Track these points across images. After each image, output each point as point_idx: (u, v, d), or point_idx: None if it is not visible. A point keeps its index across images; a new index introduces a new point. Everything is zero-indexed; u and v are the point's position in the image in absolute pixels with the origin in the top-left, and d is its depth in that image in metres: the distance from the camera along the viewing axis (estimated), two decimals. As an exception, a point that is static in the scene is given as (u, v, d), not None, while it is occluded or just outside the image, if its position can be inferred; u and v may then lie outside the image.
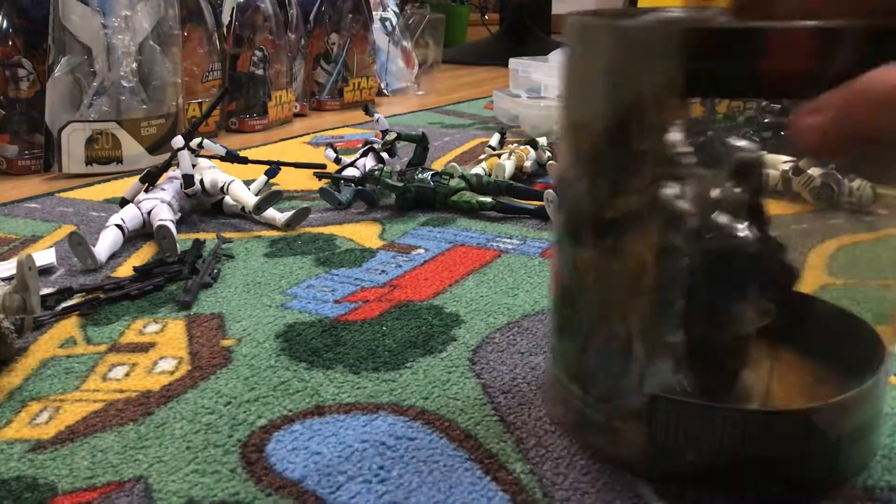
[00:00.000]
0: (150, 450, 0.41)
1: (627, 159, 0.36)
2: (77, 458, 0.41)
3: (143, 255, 0.73)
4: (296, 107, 1.52)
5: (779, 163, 0.79)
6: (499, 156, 0.98)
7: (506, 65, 1.44)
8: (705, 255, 0.37)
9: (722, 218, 0.38)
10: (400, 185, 0.85)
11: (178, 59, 1.17)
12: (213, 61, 1.31)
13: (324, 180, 0.94)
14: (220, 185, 0.83)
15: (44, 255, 0.70)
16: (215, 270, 0.67)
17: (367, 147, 1.01)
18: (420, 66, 1.99)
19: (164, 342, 0.54)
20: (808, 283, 0.63)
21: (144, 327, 0.57)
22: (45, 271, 0.68)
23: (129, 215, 0.75)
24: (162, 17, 1.12)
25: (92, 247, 0.68)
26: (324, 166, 0.99)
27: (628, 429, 0.38)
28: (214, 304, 0.61)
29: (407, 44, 1.94)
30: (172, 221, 0.74)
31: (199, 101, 1.29)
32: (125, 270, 0.69)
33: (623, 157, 0.36)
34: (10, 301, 0.50)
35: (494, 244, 0.74)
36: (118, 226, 0.73)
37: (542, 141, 1.04)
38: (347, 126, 1.44)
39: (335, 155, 1.03)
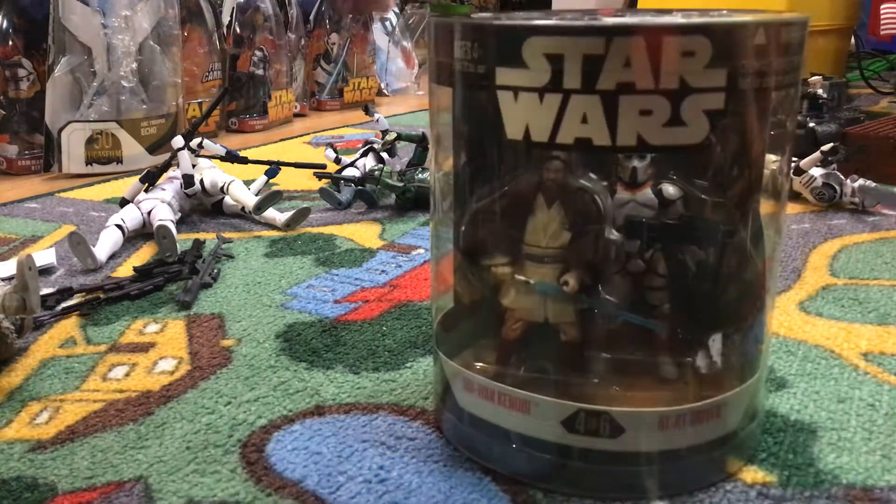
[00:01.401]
0: (150, 450, 0.41)
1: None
2: (77, 458, 0.41)
3: (143, 255, 0.73)
4: (296, 107, 1.52)
5: (770, 162, 0.78)
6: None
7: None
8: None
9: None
10: (400, 185, 0.85)
11: (178, 60, 1.17)
12: (213, 61, 1.31)
13: (324, 180, 0.94)
14: (220, 185, 0.83)
15: (44, 255, 0.70)
16: (215, 270, 0.67)
17: (367, 147, 1.01)
18: (420, 66, 1.99)
19: (164, 342, 0.54)
20: (811, 283, 0.63)
21: (144, 327, 0.57)
22: (45, 271, 0.68)
23: (130, 215, 0.75)
24: (162, 17, 1.13)
25: (92, 247, 0.68)
26: (324, 166, 0.99)
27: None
28: (214, 304, 0.61)
29: (407, 44, 1.94)
30: (172, 221, 0.74)
31: (199, 101, 1.29)
32: (125, 270, 0.68)
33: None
34: (10, 301, 0.50)
35: (494, 244, 0.74)
36: (118, 226, 0.73)
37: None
38: (347, 126, 1.44)
39: (335, 155, 1.03)
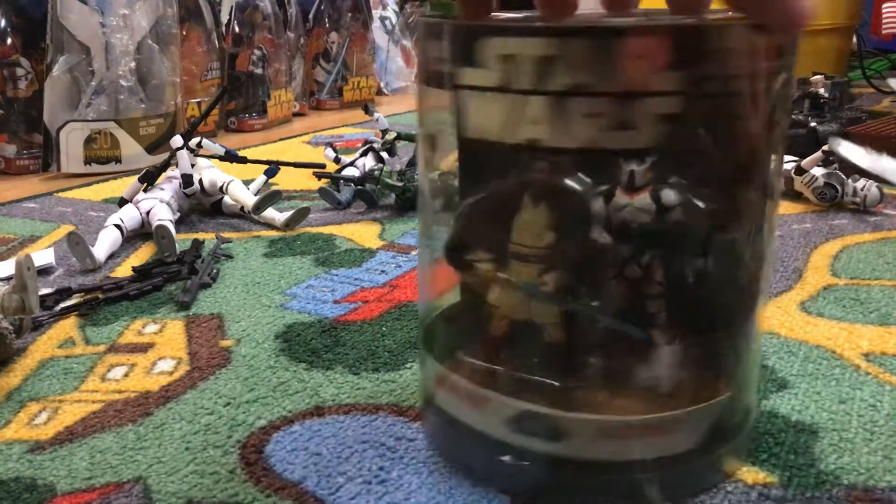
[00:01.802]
0: (149, 451, 0.41)
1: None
2: (76, 458, 0.41)
3: (142, 255, 0.73)
4: (295, 106, 1.51)
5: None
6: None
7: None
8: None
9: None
10: (400, 185, 0.85)
11: (176, 59, 1.16)
12: (211, 60, 1.31)
13: (323, 180, 0.93)
14: (219, 184, 0.83)
15: (42, 256, 0.70)
16: (214, 270, 0.67)
17: (366, 146, 1.01)
18: (419, 66, 1.98)
19: (163, 343, 0.54)
20: (812, 283, 0.63)
21: (143, 328, 0.57)
22: (44, 271, 0.68)
23: (128, 215, 0.75)
24: (160, 16, 1.12)
25: (90, 247, 0.68)
26: (323, 166, 0.98)
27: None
28: (213, 305, 0.60)
29: (407, 43, 1.94)
30: (171, 221, 0.74)
31: (198, 100, 1.29)
32: (124, 270, 0.68)
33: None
34: (9, 301, 0.49)
35: (494, 244, 0.74)
36: (117, 226, 0.73)
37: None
38: (347, 125, 1.44)
39: (334, 154, 1.03)
